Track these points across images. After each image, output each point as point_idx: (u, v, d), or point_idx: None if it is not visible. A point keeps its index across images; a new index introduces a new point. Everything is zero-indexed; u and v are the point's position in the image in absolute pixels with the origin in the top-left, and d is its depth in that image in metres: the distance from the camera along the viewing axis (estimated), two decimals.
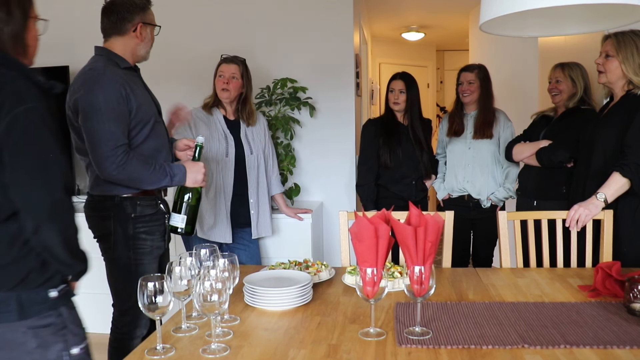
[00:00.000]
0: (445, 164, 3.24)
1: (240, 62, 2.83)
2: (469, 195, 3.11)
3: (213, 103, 2.85)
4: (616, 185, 2.11)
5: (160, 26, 2.19)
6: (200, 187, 2.11)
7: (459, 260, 3.06)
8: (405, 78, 3.13)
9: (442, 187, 3.22)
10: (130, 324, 2.17)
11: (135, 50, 2.14)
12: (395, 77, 3.17)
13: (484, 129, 3.07)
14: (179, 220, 2.08)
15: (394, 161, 3.08)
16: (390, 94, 3.15)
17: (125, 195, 2.09)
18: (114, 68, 2.05)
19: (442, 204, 3.25)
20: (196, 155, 2.12)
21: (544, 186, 2.82)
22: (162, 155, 2.16)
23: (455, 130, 3.15)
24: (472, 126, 3.11)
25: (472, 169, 3.10)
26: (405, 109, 3.12)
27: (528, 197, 2.90)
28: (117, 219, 2.10)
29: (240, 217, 2.86)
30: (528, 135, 2.93)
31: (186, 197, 2.09)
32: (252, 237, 2.92)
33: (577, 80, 2.77)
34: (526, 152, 2.83)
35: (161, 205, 2.20)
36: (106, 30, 2.13)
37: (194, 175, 2.08)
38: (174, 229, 2.10)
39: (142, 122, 2.07)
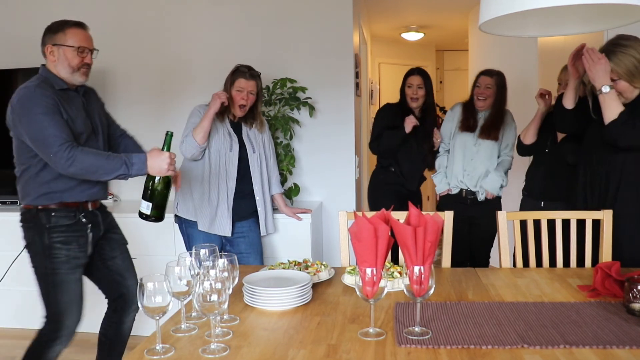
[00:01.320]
0: (447, 159, 3.26)
1: (258, 78, 2.84)
2: (467, 190, 3.14)
3: (223, 110, 2.79)
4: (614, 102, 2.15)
5: (74, 46, 2.15)
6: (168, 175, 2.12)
7: (457, 260, 3.06)
8: (422, 73, 3.26)
9: (443, 180, 3.23)
10: (49, 334, 2.18)
11: (57, 71, 2.17)
12: (412, 72, 3.28)
13: (490, 131, 3.12)
14: (144, 207, 2.12)
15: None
16: (408, 89, 3.26)
17: (40, 207, 2.15)
18: (46, 86, 2.11)
19: (437, 198, 3.29)
20: (165, 145, 2.13)
21: (550, 187, 2.81)
22: None
23: (469, 126, 3.18)
24: (480, 125, 3.16)
25: (474, 163, 3.14)
26: (423, 105, 3.27)
27: (534, 199, 2.90)
28: (35, 229, 2.16)
29: (240, 210, 2.87)
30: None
31: (151, 184, 2.11)
32: (261, 234, 2.97)
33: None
34: (530, 131, 2.90)
35: (83, 218, 2.22)
36: None
37: (157, 164, 2.08)
38: (142, 215, 2.14)
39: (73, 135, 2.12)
